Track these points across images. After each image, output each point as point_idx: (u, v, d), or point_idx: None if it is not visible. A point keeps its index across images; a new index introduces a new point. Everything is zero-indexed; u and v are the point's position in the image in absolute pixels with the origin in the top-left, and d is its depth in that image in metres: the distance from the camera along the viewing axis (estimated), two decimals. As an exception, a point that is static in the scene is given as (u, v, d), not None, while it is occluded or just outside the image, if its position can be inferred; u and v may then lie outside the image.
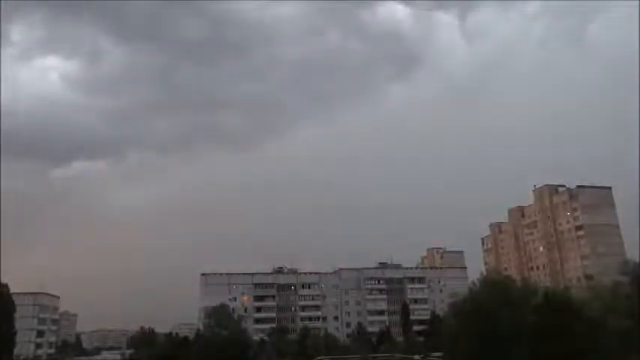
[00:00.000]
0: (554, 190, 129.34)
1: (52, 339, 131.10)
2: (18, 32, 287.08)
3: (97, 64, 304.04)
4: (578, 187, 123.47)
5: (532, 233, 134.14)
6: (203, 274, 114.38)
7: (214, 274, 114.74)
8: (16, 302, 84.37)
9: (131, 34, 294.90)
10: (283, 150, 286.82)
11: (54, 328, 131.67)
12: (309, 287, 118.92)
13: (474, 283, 58.14)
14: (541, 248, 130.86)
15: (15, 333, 74.13)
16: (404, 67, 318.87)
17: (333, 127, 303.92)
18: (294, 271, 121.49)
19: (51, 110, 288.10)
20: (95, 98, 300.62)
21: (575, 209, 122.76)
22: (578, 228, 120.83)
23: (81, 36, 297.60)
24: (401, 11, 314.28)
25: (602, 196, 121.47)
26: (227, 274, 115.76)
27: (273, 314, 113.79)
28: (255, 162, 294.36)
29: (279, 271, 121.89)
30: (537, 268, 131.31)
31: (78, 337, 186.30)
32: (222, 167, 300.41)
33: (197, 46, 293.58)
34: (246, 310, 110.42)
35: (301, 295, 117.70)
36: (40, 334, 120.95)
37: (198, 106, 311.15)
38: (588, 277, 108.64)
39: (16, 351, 78.43)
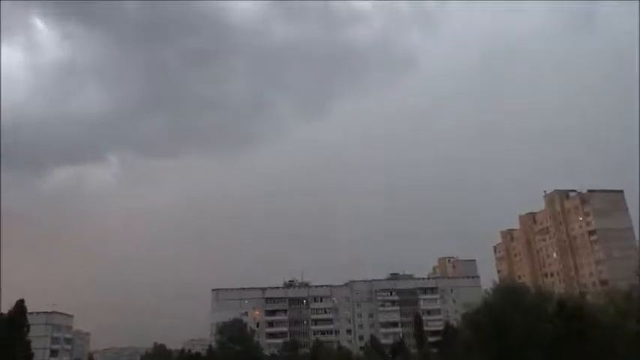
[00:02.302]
0: (565, 195, 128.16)
1: (66, 358, 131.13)
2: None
3: (78, 66, 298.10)
4: (590, 191, 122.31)
5: (544, 239, 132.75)
6: (214, 290, 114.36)
7: (225, 289, 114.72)
8: (29, 321, 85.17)
9: (120, 36, 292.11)
10: (286, 155, 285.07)
11: (67, 347, 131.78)
12: (320, 300, 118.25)
13: (487, 292, 57.58)
14: (554, 254, 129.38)
15: (32, 355, 74.07)
16: (403, 65, 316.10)
17: (335, 130, 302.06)
18: (305, 285, 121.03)
19: (28, 116, 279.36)
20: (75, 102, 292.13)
21: (587, 214, 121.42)
22: (591, 233, 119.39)
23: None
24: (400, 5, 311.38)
25: (614, 199, 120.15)
26: (238, 289, 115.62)
27: (286, 328, 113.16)
28: (256, 168, 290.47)
29: (290, 284, 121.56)
30: (551, 274, 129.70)
31: (91, 355, 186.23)
32: (220, 174, 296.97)
33: (186, 48, 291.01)
34: (258, 325, 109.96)
35: (313, 309, 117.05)
36: (54, 353, 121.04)
37: (189, 108, 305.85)
38: (603, 283, 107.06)
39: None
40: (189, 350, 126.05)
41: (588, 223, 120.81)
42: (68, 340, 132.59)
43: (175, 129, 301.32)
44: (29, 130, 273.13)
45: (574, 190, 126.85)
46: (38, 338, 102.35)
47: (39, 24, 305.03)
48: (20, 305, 74.74)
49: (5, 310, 75.33)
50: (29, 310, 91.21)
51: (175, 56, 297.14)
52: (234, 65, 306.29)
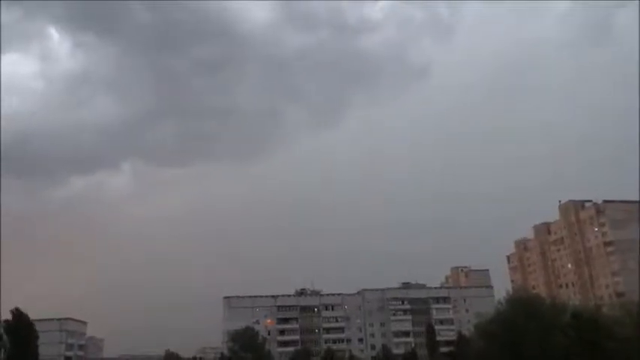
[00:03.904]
0: (580, 205, 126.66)
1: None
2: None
3: (91, 75, 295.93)
4: (605, 201, 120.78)
5: (559, 250, 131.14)
6: (226, 297, 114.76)
7: (237, 297, 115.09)
8: (43, 328, 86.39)
9: (131, 45, 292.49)
10: (297, 163, 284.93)
11: (81, 353, 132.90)
12: (332, 309, 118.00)
13: (500, 302, 57.26)
14: (569, 265, 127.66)
15: None
16: (416, 74, 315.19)
17: (346, 139, 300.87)
18: (316, 293, 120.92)
19: (42, 125, 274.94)
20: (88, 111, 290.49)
21: (602, 224, 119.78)
22: (607, 244, 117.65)
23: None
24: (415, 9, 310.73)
25: (630, 210, 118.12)
26: (250, 296, 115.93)
27: (297, 337, 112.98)
28: (267, 176, 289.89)
29: (302, 293, 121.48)
30: (566, 285, 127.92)
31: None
32: (231, 182, 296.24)
33: (198, 57, 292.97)
34: (269, 333, 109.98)
35: (325, 317, 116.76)
36: (68, 359, 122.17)
37: (201, 117, 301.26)
38: (619, 295, 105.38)
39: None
40: (202, 358, 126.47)
41: (604, 234, 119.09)
42: (81, 347, 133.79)
43: (187, 137, 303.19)
44: (43, 139, 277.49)
45: (589, 200, 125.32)
46: (52, 345, 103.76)
47: (53, 34, 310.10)
48: (18, 313, 75.81)
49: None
50: (43, 316, 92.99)
51: (187, 65, 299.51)
52: (245, 74, 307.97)
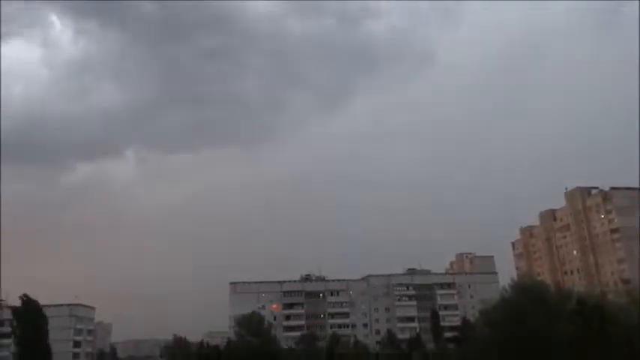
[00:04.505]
0: (586, 192, 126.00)
1: (89, 349, 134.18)
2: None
3: (95, 63, 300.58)
4: (612, 188, 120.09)
5: (565, 237, 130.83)
6: (232, 283, 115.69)
7: (243, 282, 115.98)
8: (52, 314, 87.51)
9: (136, 33, 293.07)
10: (304, 149, 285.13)
11: (90, 338, 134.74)
12: (337, 294, 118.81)
13: (505, 289, 57.37)
14: (575, 252, 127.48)
15: (49, 345, 75.94)
16: (421, 61, 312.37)
17: (352, 124, 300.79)
18: (321, 279, 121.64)
19: (48, 111, 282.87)
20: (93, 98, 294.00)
21: (609, 211, 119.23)
22: (614, 231, 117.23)
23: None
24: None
25: (637, 197, 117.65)
26: (255, 282, 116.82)
27: (303, 322, 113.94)
28: (273, 163, 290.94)
29: (307, 278, 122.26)
30: (571, 272, 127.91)
31: (113, 347, 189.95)
32: (237, 169, 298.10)
33: (203, 44, 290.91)
34: (275, 319, 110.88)
35: (330, 303, 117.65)
36: (77, 344, 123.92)
37: (206, 104, 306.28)
38: (625, 282, 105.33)
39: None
40: (208, 343, 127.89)
41: (610, 221, 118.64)
42: (90, 332, 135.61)
43: (193, 124, 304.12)
44: (50, 125, 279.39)
45: (596, 187, 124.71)
46: (61, 330, 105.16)
47: (56, 21, 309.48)
48: (27, 300, 76.69)
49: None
50: (53, 302, 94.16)
51: (191, 52, 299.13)
52: (250, 61, 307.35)
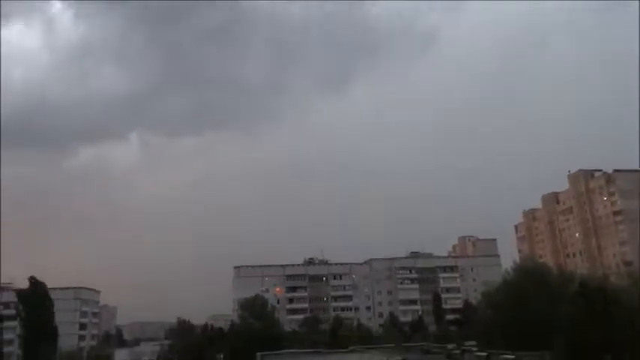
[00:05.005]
0: (589, 174, 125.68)
1: (95, 331, 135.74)
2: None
3: (96, 46, 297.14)
4: (615, 171, 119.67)
5: (568, 220, 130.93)
6: (236, 267, 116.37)
7: (247, 266, 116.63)
8: (58, 296, 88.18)
9: (136, 15, 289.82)
10: (307, 132, 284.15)
11: (95, 320, 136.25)
12: (340, 278, 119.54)
13: (507, 272, 57.57)
14: (577, 235, 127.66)
15: (55, 327, 76.73)
16: (424, 45, 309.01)
17: (355, 108, 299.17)
18: (324, 262, 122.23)
19: (49, 95, 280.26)
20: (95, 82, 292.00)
21: (612, 194, 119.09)
22: (616, 213, 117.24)
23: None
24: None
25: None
26: (259, 266, 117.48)
27: (306, 305, 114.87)
28: (276, 146, 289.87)
29: (310, 262, 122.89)
30: (574, 255, 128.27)
31: (118, 329, 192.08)
32: (240, 152, 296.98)
33: (204, 26, 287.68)
34: (278, 302, 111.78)
35: (333, 286, 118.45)
36: (83, 326, 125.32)
37: (209, 86, 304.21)
38: (627, 264, 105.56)
39: (60, 343, 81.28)
40: (212, 325, 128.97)
41: (613, 203, 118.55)
42: (96, 314, 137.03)
43: (195, 107, 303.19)
44: (51, 110, 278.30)
45: (599, 170, 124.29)
46: (67, 312, 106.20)
47: (57, 5, 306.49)
48: (34, 282, 77.29)
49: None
50: (59, 285, 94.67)
51: (193, 35, 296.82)
52: (253, 43, 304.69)
